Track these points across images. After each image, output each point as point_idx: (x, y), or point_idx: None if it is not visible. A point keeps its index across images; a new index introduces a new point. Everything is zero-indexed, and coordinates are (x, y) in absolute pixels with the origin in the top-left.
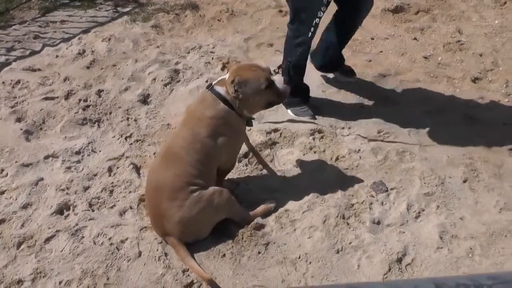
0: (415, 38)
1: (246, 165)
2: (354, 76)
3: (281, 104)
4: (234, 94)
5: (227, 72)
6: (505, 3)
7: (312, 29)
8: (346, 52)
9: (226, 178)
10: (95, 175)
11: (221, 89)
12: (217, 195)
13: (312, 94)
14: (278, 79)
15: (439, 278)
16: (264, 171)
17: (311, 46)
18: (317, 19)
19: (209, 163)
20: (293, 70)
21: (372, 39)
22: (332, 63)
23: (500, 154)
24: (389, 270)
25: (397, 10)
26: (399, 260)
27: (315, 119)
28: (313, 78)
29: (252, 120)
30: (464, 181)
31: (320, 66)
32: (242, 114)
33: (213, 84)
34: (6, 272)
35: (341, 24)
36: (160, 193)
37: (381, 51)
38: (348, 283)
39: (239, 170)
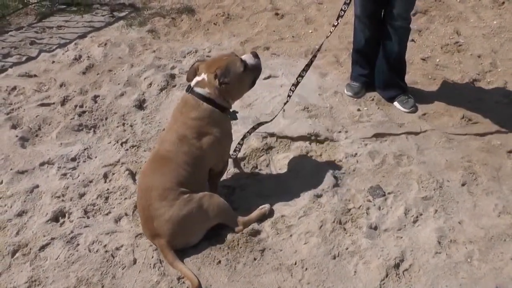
0: (412, 40)
1: (243, 169)
2: None
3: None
4: (221, 87)
5: (199, 74)
6: (503, 3)
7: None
8: (342, 55)
9: (220, 182)
10: (90, 181)
11: (201, 90)
12: (207, 198)
13: (309, 98)
14: (248, 57)
15: None
16: (260, 176)
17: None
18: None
19: (198, 164)
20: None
21: None
22: None
23: (499, 157)
24: (386, 275)
25: None
26: (397, 266)
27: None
28: (309, 81)
29: (237, 114)
30: (463, 185)
31: None
32: (227, 108)
33: (192, 86)
34: (0, 281)
35: None
36: (150, 194)
37: None
38: None
39: (235, 175)
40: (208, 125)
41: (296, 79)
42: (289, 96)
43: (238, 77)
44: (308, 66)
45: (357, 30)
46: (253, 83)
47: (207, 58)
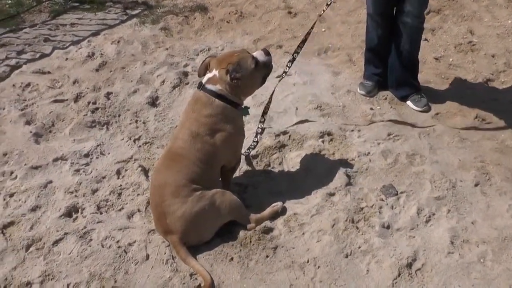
0: (425, 39)
1: (255, 167)
2: None
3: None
4: (232, 83)
5: (209, 71)
6: None
7: None
8: (355, 53)
9: (233, 179)
10: (103, 177)
11: (213, 87)
12: (220, 195)
13: (321, 96)
14: (259, 54)
15: None
16: (273, 174)
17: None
18: None
19: (211, 161)
20: None
21: None
22: None
23: None
24: (399, 275)
25: None
26: (409, 265)
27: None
28: (322, 80)
29: (248, 109)
30: (476, 185)
31: None
32: (239, 104)
33: (204, 83)
34: (15, 275)
35: None
36: (163, 190)
37: None
38: None
39: (248, 173)
40: (221, 122)
41: (292, 55)
42: (284, 72)
43: (250, 73)
44: (303, 42)
45: (369, 29)
46: (263, 80)
47: (218, 54)
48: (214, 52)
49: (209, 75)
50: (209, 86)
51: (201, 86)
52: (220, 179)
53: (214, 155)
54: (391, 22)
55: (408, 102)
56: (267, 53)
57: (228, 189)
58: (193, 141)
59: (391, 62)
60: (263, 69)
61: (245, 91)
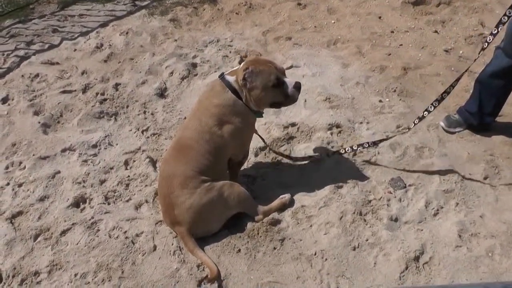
0: (435, 31)
1: (264, 159)
2: None
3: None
4: (242, 82)
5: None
6: None
7: None
8: (365, 45)
9: (241, 171)
10: (111, 168)
11: (231, 78)
12: (228, 187)
13: (330, 88)
14: (290, 81)
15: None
16: (281, 166)
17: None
18: None
19: (219, 153)
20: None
21: (392, 32)
22: None
23: None
24: (406, 268)
25: (417, 2)
26: (417, 258)
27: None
28: (331, 72)
29: (262, 113)
30: (485, 178)
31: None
32: (249, 106)
33: (224, 73)
34: (23, 264)
35: None
36: (171, 182)
37: (401, 45)
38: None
39: (256, 165)
40: (229, 114)
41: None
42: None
43: (263, 87)
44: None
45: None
46: (277, 105)
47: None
48: (223, 43)
49: (235, 68)
50: (228, 77)
51: (222, 75)
52: (228, 171)
53: (221, 147)
54: None
55: None
56: (297, 87)
57: (236, 181)
58: (202, 131)
59: None
60: (281, 95)
61: (254, 99)
